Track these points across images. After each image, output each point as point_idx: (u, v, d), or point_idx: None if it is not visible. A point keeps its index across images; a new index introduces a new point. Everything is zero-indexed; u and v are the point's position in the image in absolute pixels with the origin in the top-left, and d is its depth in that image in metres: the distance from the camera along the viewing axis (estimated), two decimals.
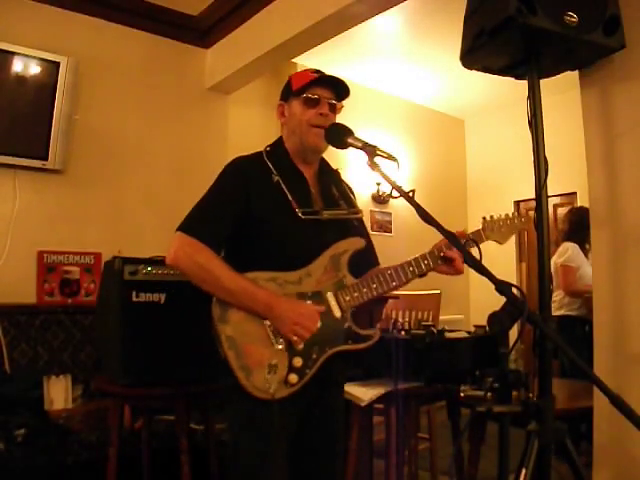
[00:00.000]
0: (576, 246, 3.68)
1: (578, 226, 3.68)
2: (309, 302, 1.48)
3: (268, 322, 1.44)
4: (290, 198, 1.53)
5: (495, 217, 1.64)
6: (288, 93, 1.63)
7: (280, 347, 1.43)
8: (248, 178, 1.54)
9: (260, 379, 1.40)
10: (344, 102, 1.65)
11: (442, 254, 1.52)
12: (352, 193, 1.76)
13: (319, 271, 1.50)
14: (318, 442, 1.57)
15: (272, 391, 1.39)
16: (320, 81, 1.58)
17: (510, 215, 1.67)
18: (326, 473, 1.58)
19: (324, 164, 1.71)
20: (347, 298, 1.50)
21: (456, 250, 1.49)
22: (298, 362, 1.43)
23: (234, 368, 1.40)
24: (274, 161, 1.59)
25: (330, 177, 1.70)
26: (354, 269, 1.55)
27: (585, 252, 3.72)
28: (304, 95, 1.57)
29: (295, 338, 1.43)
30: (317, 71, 1.62)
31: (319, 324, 1.46)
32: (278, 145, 1.66)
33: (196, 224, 1.50)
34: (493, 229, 1.62)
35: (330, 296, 1.50)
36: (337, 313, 1.49)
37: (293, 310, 1.44)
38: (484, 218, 1.62)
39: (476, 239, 1.56)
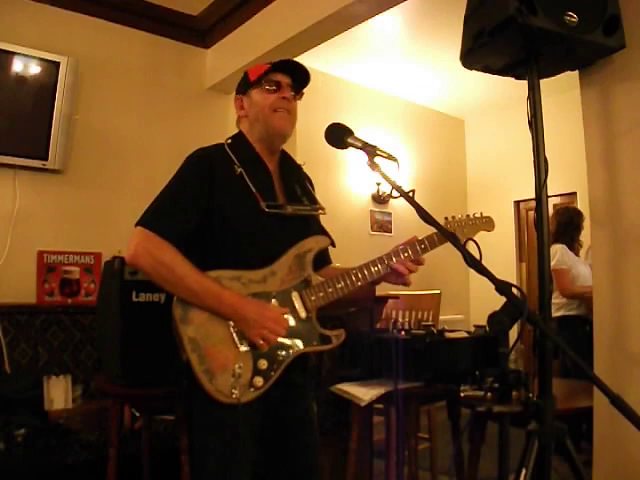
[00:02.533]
0: (564, 247, 3.69)
1: (566, 226, 3.70)
2: (274, 301, 1.43)
3: (232, 323, 1.39)
4: (254, 190, 1.47)
5: (457, 217, 1.60)
6: (246, 85, 1.58)
7: (245, 349, 1.38)
8: (211, 169, 1.48)
9: (224, 383, 1.34)
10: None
11: (390, 262, 1.47)
12: (313, 188, 1.70)
13: (284, 270, 1.46)
14: (291, 443, 1.52)
15: (237, 395, 1.33)
16: (278, 67, 1.55)
17: (472, 216, 1.63)
18: (305, 474, 1.54)
19: (286, 157, 1.66)
20: (312, 298, 1.45)
21: (401, 262, 1.47)
22: (263, 364, 1.38)
23: (197, 372, 1.35)
24: (237, 152, 1.54)
25: (292, 172, 1.65)
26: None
27: (575, 251, 3.74)
28: (264, 83, 1.54)
29: (262, 342, 1.38)
30: (271, 63, 1.59)
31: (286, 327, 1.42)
32: (239, 137, 1.60)
33: (157, 218, 1.43)
34: (455, 230, 1.56)
35: (295, 296, 1.45)
36: (302, 313, 1.45)
37: (260, 313, 1.38)
38: (446, 218, 1.58)
39: (434, 242, 1.51)
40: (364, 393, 2.19)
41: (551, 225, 3.84)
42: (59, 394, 2.78)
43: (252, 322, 1.37)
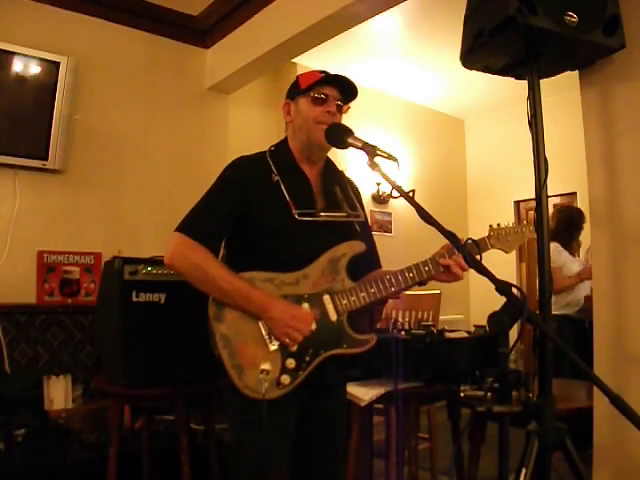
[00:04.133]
0: (556, 245, 3.69)
1: (565, 225, 3.71)
2: (305, 304, 1.47)
3: (262, 322, 1.44)
4: (288, 198, 1.51)
5: (502, 225, 1.63)
6: (295, 91, 1.61)
7: (274, 348, 1.43)
8: (247, 178, 1.54)
9: (252, 379, 1.39)
10: (352, 103, 1.64)
11: (442, 261, 1.50)
12: (358, 195, 1.73)
13: (316, 273, 1.49)
14: (318, 446, 1.57)
15: (263, 391, 1.38)
16: (329, 80, 1.58)
17: (518, 224, 1.66)
18: (327, 476, 1.58)
19: (330, 164, 1.70)
20: (344, 302, 1.48)
21: (451, 258, 1.49)
22: (291, 364, 1.43)
23: (227, 367, 1.41)
24: (276, 161, 1.58)
25: (334, 178, 1.68)
26: (354, 272, 1.54)
27: (572, 250, 3.74)
28: (312, 93, 1.56)
29: (287, 340, 1.42)
30: (323, 72, 1.61)
31: (314, 327, 1.45)
32: (282, 145, 1.64)
33: (193, 224, 1.50)
34: (499, 237, 1.61)
35: (327, 299, 1.48)
36: (333, 316, 1.48)
37: (286, 312, 1.43)
38: (491, 226, 1.61)
39: (480, 246, 1.54)
40: (364, 393, 2.19)
41: (551, 223, 3.84)
42: (59, 394, 2.78)
43: (277, 320, 1.42)
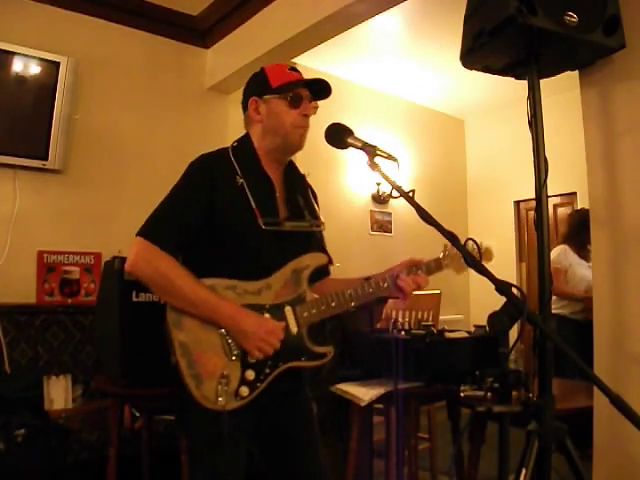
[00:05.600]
0: (565, 247, 3.68)
1: (578, 228, 3.67)
2: (267, 315, 1.44)
3: (223, 331, 1.40)
4: (254, 205, 1.46)
5: (452, 249, 1.58)
6: (264, 89, 1.53)
7: (233, 358, 1.40)
8: (213, 179, 1.47)
9: (210, 390, 1.36)
10: (325, 101, 1.59)
11: (398, 281, 1.50)
12: (316, 201, 1.69)
13: (279, 284, 1.46)
14: (289, 445, 1.55)
15: (222, 402, 1.35)
16: (305, 82, 1.54)
17: (471, 246, 1.60)
18: (306, 468, 1.56)
19: (292, 167, 1.64)
20: (305, 314, 1.46)
21: (404, 281, 1.49)
22: (250, 375, 1.40)
23: (185, 376, 1.37)
24: (240, 161, 1.52)
25: (297, 182, 1.64)
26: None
27: (584, 254, 3.70)
28: (289, 95, 1.51)
29: (257, 353, 1.39)
30: (292, 68, 1.56)
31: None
32: (245, 143, 1.58)
33: (156, 229, 1.44)
34: (454, 258, 1.58)
35: (288, 311, 1.46)
36: (294, 328, 1.45)
37: (260, 327, 1.39)
38: (445, 245, 1.58)
39: (432, 268, 1.55)
40: (364, 393, 2.19)
41: (565, 226, 3.84)
42: (59, 394, 2.78)
43: (250, 334, 1.39)
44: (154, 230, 1.44)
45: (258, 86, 1.56)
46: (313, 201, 1.67)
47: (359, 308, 1.54)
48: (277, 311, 1.45)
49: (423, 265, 1.55)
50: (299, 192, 1.62)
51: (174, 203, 1.48)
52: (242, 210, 1.46)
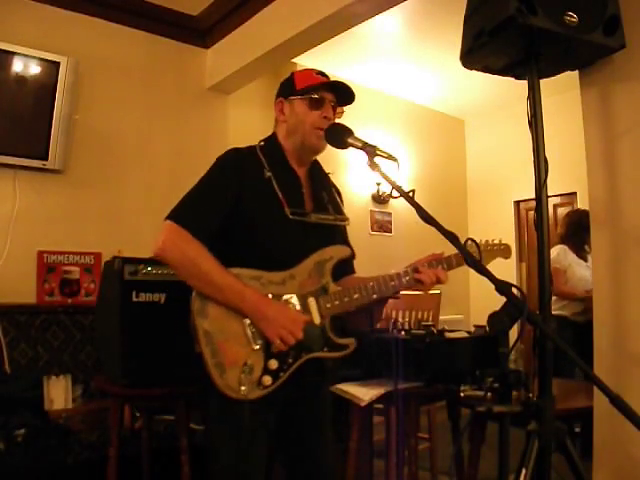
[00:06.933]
0: (564, 247, 3.67)
1: (575, 228, 3.67)
2: (290, 306, 1.46)
3: (248, 321, 1.42)
4: (280, 196, 1.50)
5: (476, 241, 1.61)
6: (290, 91, 1.60)
7: (257, 347, 1.41)
8: (242, 171, 1.51)
9: (233, 378, 1.38)
10: (347, 107, 1.64)
11: (416, 274, 1.51)
12: (341, 198, 1.74)
13: (303, 275, 1.48)
14: (306, 442, 1.58)
15: (244, 392, 1.37)
16: (327, 85, 1.58)
17: (490, 241, 1.67)
18: (319, 468, 1.58)
19: (316, 166, 1.69)
20: (328, 305, 1.48)
21: (424, 273, 1.51)
22: (273, 364, 1.42)
23: (209, 365, 1.38)
24: (267, 157, 1.57)
25: (321, 180, 1.69)
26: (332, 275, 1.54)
27: (583, 254, 3.70)
28: (310, 96, 1.56)
29: (278, 342, 1.40)
30: (320, 72, 1.61)
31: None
32: (272, 141, 1.63)
33: (187, 214, 1.46)
34: (475, 254, 1.57)
35: (312, 301, 1.48)
36: (317, 319, 1.47)
37: (282, 314, 1.42)
38: (465, 241, 1.60)
39: (453, 262, 1.56)
40: (364, 393, 2.19)
41: (561, 227, 3.83)
42: (59, 394, 2.78)
43: (272, 321, 1.40)
44: (184, 215, 1.46)
45: (285, 88, 1.63)
46: (337, 198, 1.70)
47: (369, 306, 1.55)
48: (301, 301, 1.47)
49: (444, 260, 1.56)
50: (324, 189, 1.66)
51: (204, 190, 1.51)
52: (270, 200, 1.50)
